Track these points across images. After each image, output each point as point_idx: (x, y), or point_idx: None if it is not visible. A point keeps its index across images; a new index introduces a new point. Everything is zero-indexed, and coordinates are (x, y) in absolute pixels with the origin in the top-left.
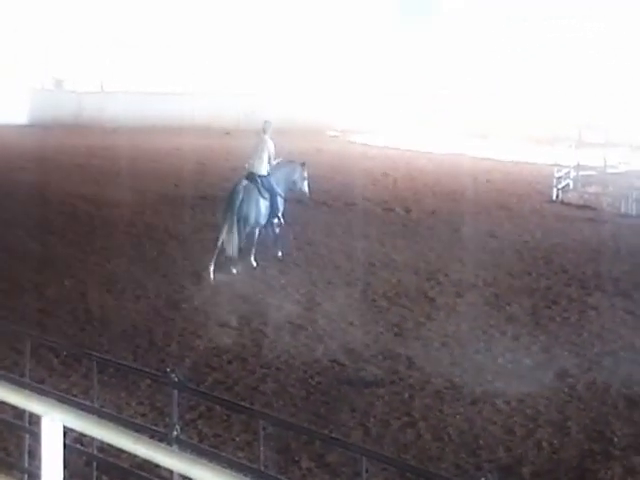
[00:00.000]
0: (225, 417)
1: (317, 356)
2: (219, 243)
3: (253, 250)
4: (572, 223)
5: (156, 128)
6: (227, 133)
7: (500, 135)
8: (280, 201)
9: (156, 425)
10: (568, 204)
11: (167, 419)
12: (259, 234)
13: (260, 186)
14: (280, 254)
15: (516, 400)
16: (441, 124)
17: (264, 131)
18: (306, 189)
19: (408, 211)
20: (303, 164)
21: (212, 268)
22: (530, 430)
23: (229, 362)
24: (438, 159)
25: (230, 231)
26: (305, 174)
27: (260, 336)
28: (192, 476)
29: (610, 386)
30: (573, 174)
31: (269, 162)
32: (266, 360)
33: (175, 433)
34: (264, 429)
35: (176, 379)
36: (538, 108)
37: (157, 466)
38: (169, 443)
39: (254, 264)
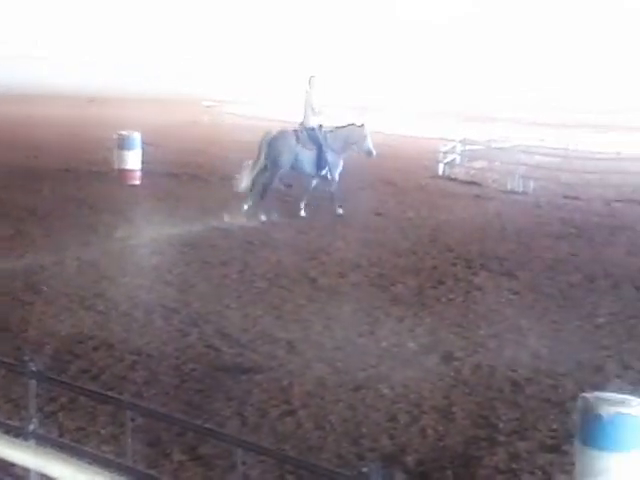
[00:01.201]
0: (90, 409)
1: (191, 341)
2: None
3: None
4: (458, 200)
5: (13, 95)
6: (91, 101)
7: (386, 109)
8: (331, 157)
9: (10, 419)
10: (454, 180)
11: (24, 412)
12: (310, 185)
13: (302, 136)
14: (341, 212)
15: (400, 385)
16: (324, 97)
17: (310, 85)
18: (370, 148)
19: (289, 186)
20: (362, 125)
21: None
22: (414, 417)
23: (95, 349)
24: None
25: (249, 168)
26: (365, 133)
27: (129, 320)
28: (50, 473)
29: (496, 369)
30: (459, 149)
31: (314, 115)
32: (135, 346)
33: (32, 427)
34: (132, 420)
35: (34, 368)
36: (425, 82)
37: (13, 464)
38: (25, 438)
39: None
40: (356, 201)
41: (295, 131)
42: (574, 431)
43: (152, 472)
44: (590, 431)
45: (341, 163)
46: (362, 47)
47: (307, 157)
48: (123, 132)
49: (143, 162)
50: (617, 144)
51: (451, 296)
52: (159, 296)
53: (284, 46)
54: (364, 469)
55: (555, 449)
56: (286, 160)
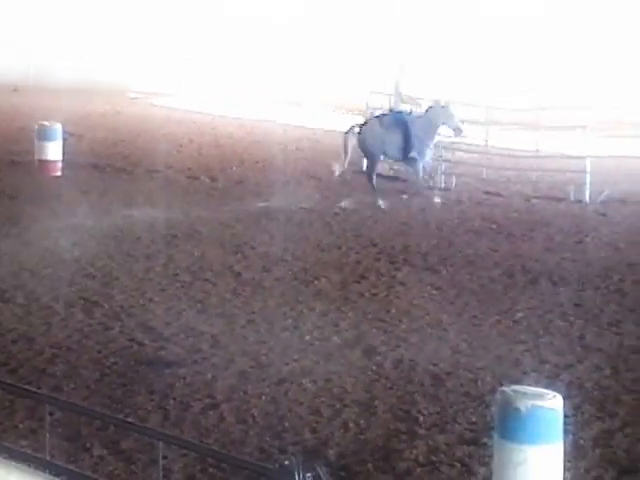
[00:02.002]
0: (7, 402)
1: (113, 335)
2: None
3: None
4: (382, 195)
5: None
6: (15, 90)
7: (312, 102)
8: (417, 142)
9: None
10: (379, 175)
11: None
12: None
13: (386, 120)
14: (405, 197)
15: (323, 379)
16: (251, 89)
17: (400, 71)
18: (458, 125)
19: (214, 180)
20: (444, 106)
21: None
22: (337, 410)
23: (13, 342)
24: (247, 125)
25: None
26: (450, 112)
27: (50, 313)
28: None
29: (417, 363)
30: None
31: (403, 101)
32: (56, 340)
33: None
34: (51, 414)
35: None
36: (347, 76)
37: None
38: None
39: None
40: (281, 195)
41: (378, 117)
42: (493, 424)
43: (71, 467)
44: (508, 424)
45: (428, 150)
46: (286, 42)
47: (393, 141)
48: (44, 122)
49: (65, 153)
50: (535, 142)
51: (374, 291)
52: (81, 289)
53: (208, 39)
54: (286, 462)
55: (474, 442)
56: (376, 148)
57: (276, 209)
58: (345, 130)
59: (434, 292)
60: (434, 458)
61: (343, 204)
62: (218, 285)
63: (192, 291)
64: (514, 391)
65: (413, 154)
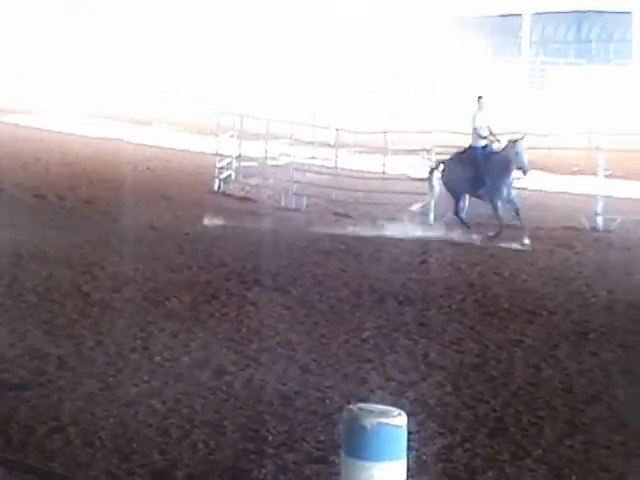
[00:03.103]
0: None
1: None
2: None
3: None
4: (233, 215)
5: None
6: None
7: (161, 122)
8: (489, 180)
9: None
10: (230, 195)
11: None
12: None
13: (465, 157)
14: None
15: (173, 400)
16: (100, 108)
17: (478, 106)
18: (525, 165)
19: (62, 199)
20: (515, 140)
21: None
22: (186, 431)
23: None
24: (96, 144)
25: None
26: (518, 149)
27: None
28: None
29: (267, 383)
30: (235, 165)
31: (479, 135)
32: None
33: None
34: None
35: None
36: (198, 96)
37: None
38: None
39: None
40: (131, 215)
41: (458, 154)
42: (340, 442)
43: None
44: (354, 442)
45: (504, 187)
46: (138, 62)
47: (467, 178)
48: None
49: None
50: (382, 164)
51: (224, 311)
52: None
53: (55, 55)
54: None
55: (322, 460)
56: (457, 185)
57: (126, 229)
58: (430, 167)
59: (284, 312)
60: (282, 477)
61: (205, 222)
62: (66, 306)
63: (38, 312)
64: (360, 409)
65: (487, 191)
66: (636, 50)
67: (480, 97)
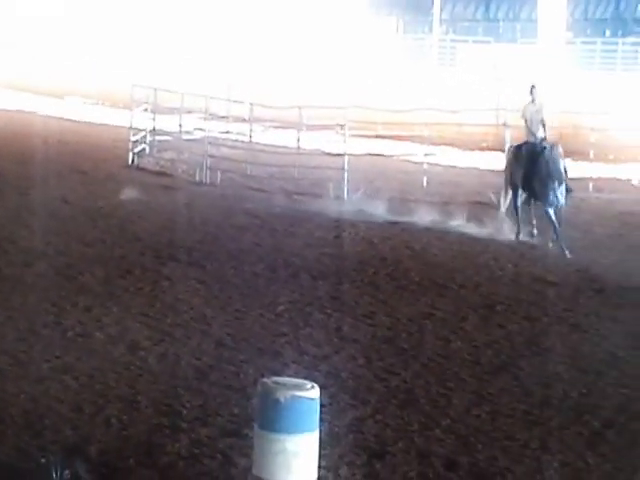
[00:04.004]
0: None
1: None
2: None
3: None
4: (147, 189)
5: None
6: None
7: (75, 95)
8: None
9: None
10: (144, 169)
11: None
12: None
13: (518, 152)
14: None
15: (86, 376)
16: (10, 80)
17: (532, 96)
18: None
19: None
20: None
21: None
22: (99, 407)
23: None
24: (6, 117)
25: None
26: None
27: None
28: None
29: (181, 358)
30: (149, 139)
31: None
32: None
33: None
34: None
35: None
36: (112, 68)
37: None
38: None
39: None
40: (43, 189)
41: (514, 147)
42: (254, 415)
43: None
44: (268, 415)
45: (556, 185)
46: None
47: (519, 173)
48: None
49: None
50: (297, 139)
51: (139, 285)
52: None
53: None
54: (42, 460)
55: (236, 433)
56: (513, 178)
57: (38, 203)
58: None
59: (198, 286)
60: (196, 451)
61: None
62: None
63: None
64: (274, 382)
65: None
66: (541, 30)
67: (533, 87)
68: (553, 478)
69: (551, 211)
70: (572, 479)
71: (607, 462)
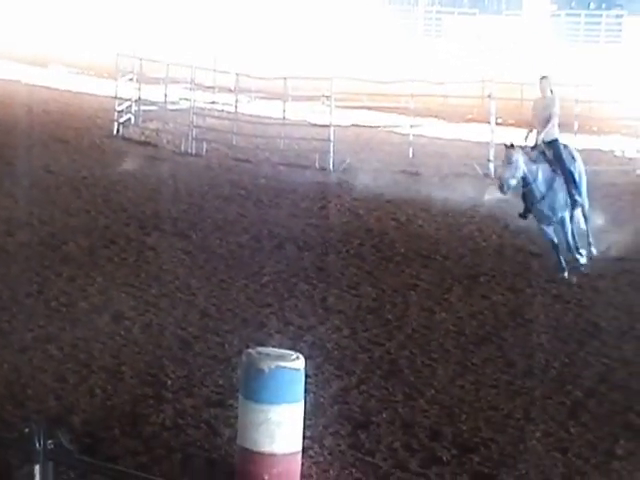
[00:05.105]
0: None
1: None
2: None
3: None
4: (132, 160)
5: None
6: None
7: (59, 63)
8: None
9: None
10: (129, 139)
11: None
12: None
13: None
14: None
15: (69, 345)
16: None
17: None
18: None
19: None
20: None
21: None
22: (83, 377)
23: None
24: None
25: None
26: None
27: None
28: None
29: (166, 328)
30: (134, 108)
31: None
32: None
33: None
34: None
35: None
36: (96, 37)
37: None
38: None
39: None
40: (26, 158)
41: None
42: (238, 386)
43: None
44: (252, 385)
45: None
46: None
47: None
48: None
49: None
50: (282, 110)
51: (123, 256)
52: None
53: None
54: (26, 430)
55: (220, 404)
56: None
57: (21, 172)
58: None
59: (184, 257)
60: (181, 421)
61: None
62: None
63: None
64: (258, 353)
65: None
66: (526, 2)
67: (542, 78)
68: (536, 448)
69: (549, 230)
70: (555, 449)
71: (589, 432)
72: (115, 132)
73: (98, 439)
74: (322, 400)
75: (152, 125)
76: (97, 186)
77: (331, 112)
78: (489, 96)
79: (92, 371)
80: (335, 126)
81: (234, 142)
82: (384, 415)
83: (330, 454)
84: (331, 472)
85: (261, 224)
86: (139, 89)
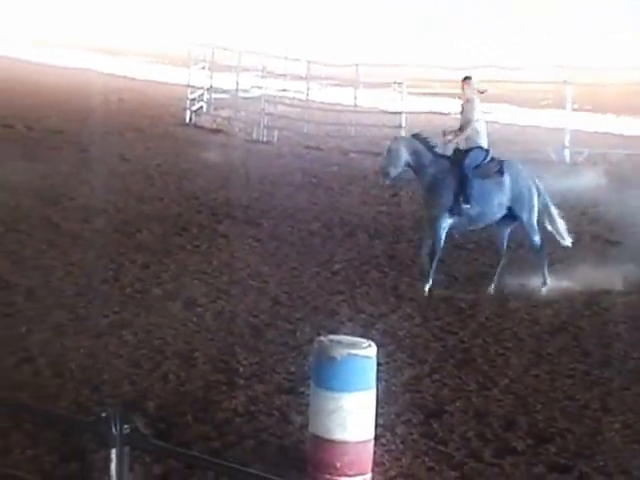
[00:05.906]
0: None
1: None
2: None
3: None
4: (204, 148)
5: None
6: None
7: (134, 53)
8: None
9: None
10: (201, 127)
11: None
12: None
13: None
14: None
15: (144, 331)
16: (71, 37)
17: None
18: None
19: (30, 129)
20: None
21: None
22: (157, 362)
23: None
24: (65, 74)
25: None
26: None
27: None
28: None
29: (237, 315)
30: (206, 97)
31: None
32: None
33: None
34: None
35: None
36: (170, 27)
37: None
38: None
39: None
40: (102, 146)
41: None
42: (310, 373)
43: None
44: (324, 373)
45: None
46: None
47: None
48: None
49: None
50: (354, 97)
51: (196, 243)
52: None
53: None
54: (103, 415)
55: (292, 391)
56: None
57: (97, 160)
58: None
59: (255, 244)
60: (253, 408)
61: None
62: (34, 236)
63: (5, 242)
64: (330, 340)
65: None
66: None
67: (466, 78)
68: (614, 439)
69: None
70: (633, 441)
71: None
72: (187, 120)
73: (171, 424)
74: (394, 388)
75: (224, 113)
76: (170, 174)
77: (402, 99)
78: (565, 82)
79: (166, 357)
80: (407, 113)
81: (305, 130)
82: (457, 404)
83: (402, 442)
84: (403, 460)
85: (332, 212)
86: (211, 77)
